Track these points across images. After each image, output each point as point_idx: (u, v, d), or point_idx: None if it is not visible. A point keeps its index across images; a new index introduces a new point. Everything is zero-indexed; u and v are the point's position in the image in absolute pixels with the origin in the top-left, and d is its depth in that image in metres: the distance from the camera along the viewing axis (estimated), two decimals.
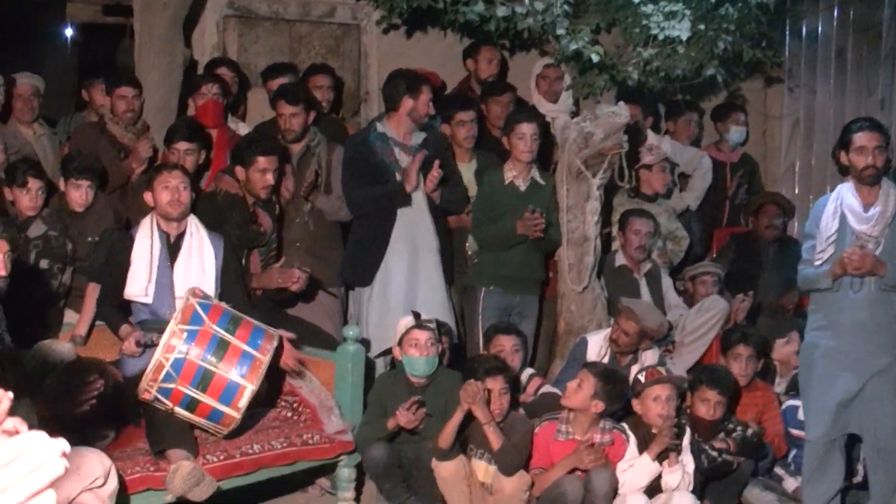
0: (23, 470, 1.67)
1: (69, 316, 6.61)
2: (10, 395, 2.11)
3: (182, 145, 7.13)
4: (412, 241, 7.32)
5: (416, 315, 6.55)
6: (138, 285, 6.17)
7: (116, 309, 6.26)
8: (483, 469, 6.23)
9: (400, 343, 6.51)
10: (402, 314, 6.84)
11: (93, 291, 6.43)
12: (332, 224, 7.58)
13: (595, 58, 8.12)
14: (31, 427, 3.95)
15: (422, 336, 6.43)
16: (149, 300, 6.18)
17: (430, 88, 7.47)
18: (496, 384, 6.22)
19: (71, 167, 6.76)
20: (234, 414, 5.65)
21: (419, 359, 6.42)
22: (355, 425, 6.44)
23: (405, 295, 7.26)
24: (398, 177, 7.29)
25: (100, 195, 6.90)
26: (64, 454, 1.71)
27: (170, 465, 5.47)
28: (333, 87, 8.43)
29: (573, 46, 8.13)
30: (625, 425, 6.31)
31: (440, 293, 7.34)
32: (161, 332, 5.75)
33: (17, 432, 2.23)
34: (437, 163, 7.25)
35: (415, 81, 7.45)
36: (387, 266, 7.32)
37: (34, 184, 6.49)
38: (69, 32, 13.07)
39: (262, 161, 6.78)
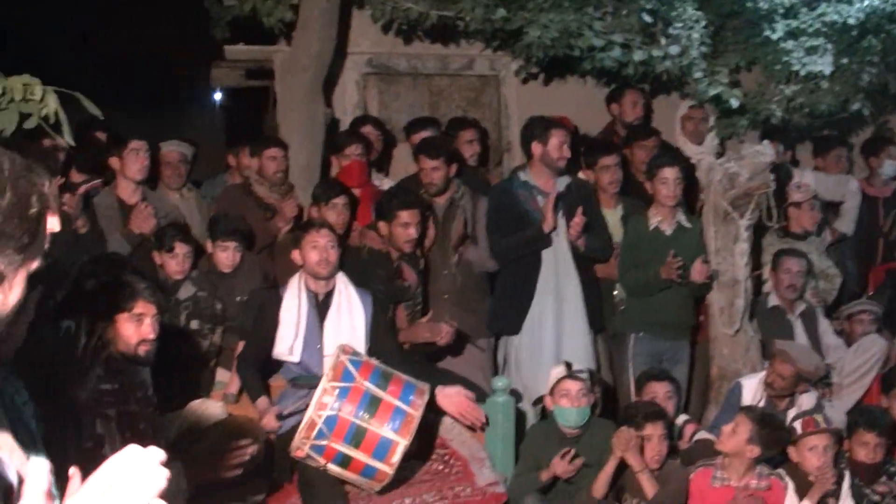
0: (131, 483, 1.67)
1: (221, 375, 6.72)
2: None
3: (341, 199, 7.21)
4: (557, 290, 7.26)
5: (568, 365, 6.46)
6: (285, 344, 6.22)
7: (255, 373, 6.31)
8: None
9: (551, 393, 6.43)
10: (550, 362, 6.77)
11: None
12: (479, 275, 7.56)
13: (735, 102, 7.98)
14: (183, 491, 4.00)
15: (573, 387, 6.34)
16: (295, 359, 6.22)
17: (563, 132, 7.39)
18: (656, 430, 6.11)
19: (217, 230, 6.89)
20: (388, 469, 5.63)
21: (571, 410, 6.33)
22: (507, 477, 6.37)
23: (552, 343, 7.19)
24: (541, 218, 7.23)
25: (247, 255, 7.01)
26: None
27: None
28: (480, 140, 8.45)
29: (712, 91, 8.01)
30: (782, 471, 6.12)
31: (585, 341, 7.25)
32: (313, 387, 5.79)
33: None
34: (579, 209, 7.18)
35: (543, 126, 7.42)
36: (533, 314, 7.27)
37: (181, 248, 6.63)
38: (217, 97, 13.42)
39: (403, 215, 6.81)
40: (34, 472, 1.71)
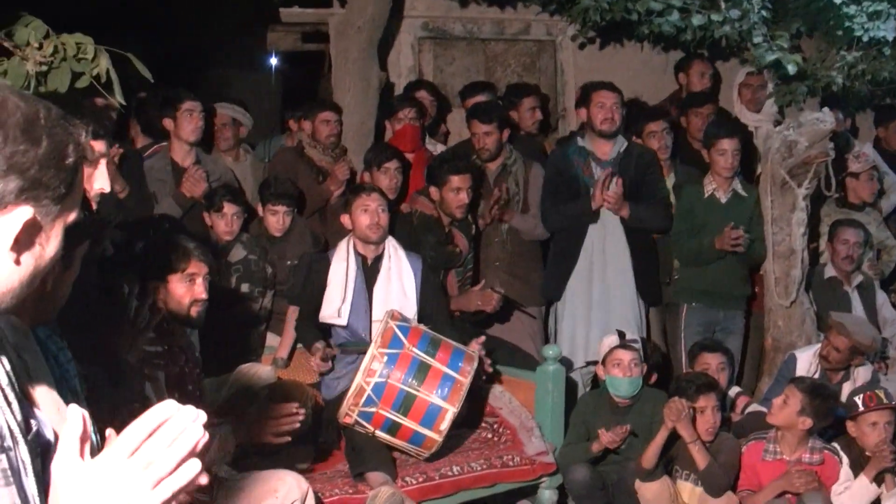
0: (165, 440, 1.66)
1: (271, 339, 6.72)
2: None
3: (393, 164, 7.18)
4: (604, 257, 7.20)
5: (621, 334, 6.42)
6: (332, 307, 6.22)
7: (313, 328, 6.32)
8: (689, 490, 6.07)
9: (603, 362, 6.40)
10: (594, 330, 6.75)
11: (293, 314, 6.51)
12: (530, 243, 7.51)
13: (792, 69, 7.84)
14: (230, 453, 4.00)
15: (625, 356, 6.31)
16: (342, 322, 6.22)
17: (606, 95, 7.26)
18: (709, 402, 6.05)
19: (268, 193, 6.88)
20: (436, 437, 5.63)
21: (622, 379, 6.30)
22: (556, 446, 6.34)
23: (593, 311, 7.17)
24: (592, 191, 7.17)
25: (298, 219, 7.00)
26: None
27: (369, 488, 5.48)
28: (541, 107, 8.38)
29: (770, 56, 7.87)
30: (836, 445, 6.04)
31: (633, 310, 7.19)
32: (361, 352, 5.78)
33: None
34: (617, 180, 7.10)
35: (587, 90, 7.36)
36: (576, 280, 7.24)
37: (230, 208, 6.62)
38: (273, 61, 13.41)
39: (455, 180, 6.78)
40: (70, 415, 1.70)
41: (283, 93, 12.41)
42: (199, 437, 1.70)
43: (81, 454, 1.70)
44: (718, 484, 5.93)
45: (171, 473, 1.66)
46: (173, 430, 1.66)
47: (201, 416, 1.73)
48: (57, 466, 1.71)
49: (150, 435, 1.67)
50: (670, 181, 7.65)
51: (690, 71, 8.70)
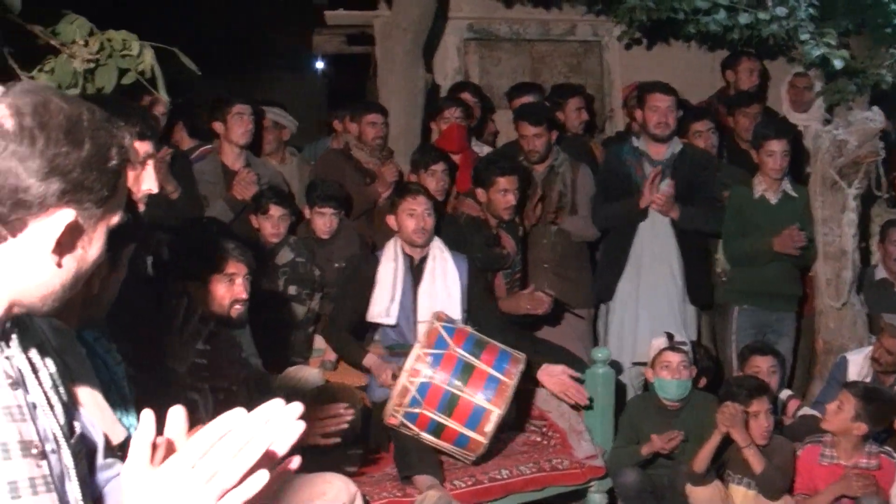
0: (230, 451, 1.63)
1: (319, 342, 6.70)
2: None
3: (440, 166, 7.17)
4: (652, 259, 7.15)
5: (670, 336, 6.37)
6: (381, 306, 6.20)
7: (348, 335, 6.30)
8: (742, 494, 6.01)
9: (652, 365, 6.35)
10: (642, 332, 6.71)
11: None
12: (579, 244, 7.48)
13: (839, 63, 7.74)
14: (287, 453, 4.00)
15: (674, 358, 6.26)
16: (391, 321, 6.20)
17: (661, 97, 7.19)
18: (762, 406, 5.98)
19: (314, 195, 6.87)
20: (481, 439, 5.59)
21: (671, 382, 6.25)
22: (606, 450, 6.30)
23: (641, 312, 7.13)
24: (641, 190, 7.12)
25: (345, 221, 6.99)
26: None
27: (417, 491, 5.46)
28: (587, 107, 8.34)
29: (817, 52, 7.78)
30: (889, 448, 5.96)
31: (681, 313, 7.14)
32: (408, 356, 5.77)
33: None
34: (669, 181, 7.04)
35: (641, 91, 7.33)
36: (625, 281, 7.21)
37: (276, 210, 6.61)
38: (319, 64, 13.46)
39: (501, 182, 6.74)
40: (142, 421, 1.68)
41: (328, 95, 12.45)
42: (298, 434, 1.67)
43: (152, 460, 1.68)
44: (775, 487, 5.87)
45: (236, 485, 1.63)
46: (239, 441, 1.63)
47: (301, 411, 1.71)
48: (126, 471, 1.69)
49: (214, 444, 1.64)
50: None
51: (739, 68, 8.60)
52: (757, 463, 5.84)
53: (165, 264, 4.56)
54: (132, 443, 1.69)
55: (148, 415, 1.69)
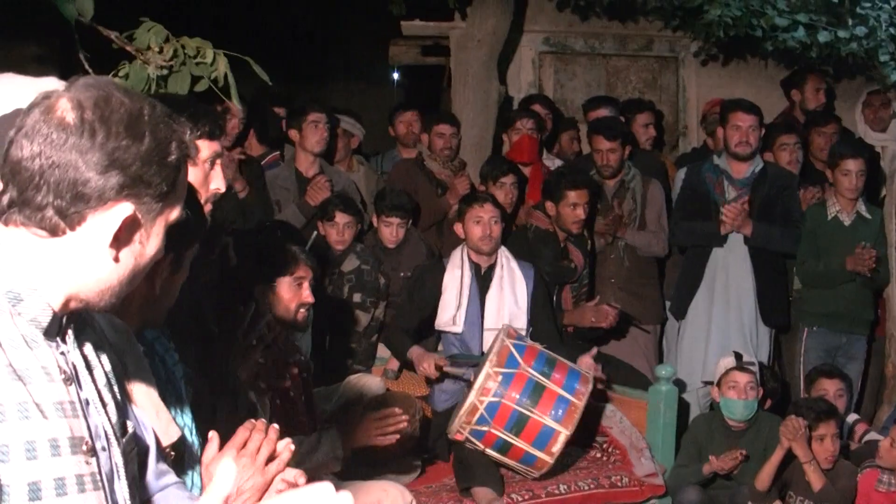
0: None
1: (382, 351, 6.71)
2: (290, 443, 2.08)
3: (509, 178, 7.15)
4: (725, 279, 7.08)
5: (738, 356, 6.32)
6: (448, 314, 6.20)
7: (405, 336, 6.31)
8: None
9: (719, 384, 6.29)
10: (711, 352, 6.65)
11: None
12: (647, 260, 7.43)
13: None
14: (339, 458, 4.01)
15: (742, 378, 6.21)
16: (458, 329, 6.20)
17: (745, 116, 7.07)
18: (829, 429, 5.93)
19: (382, 204, 6.90)
20: (548, 459, 5.57)
21: (737, 402, 6.19)
22: (667, 468, 6.24)
23: (712, 331, 7.06)
24: (721, 211, 7.03)
25: (412, 231, 7.00)
26: None
27: (474, 503, 5.44)
28: (655, 123, 8.29)
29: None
30: None
31: (753, 334, 7.05)
32: (472, 365, 5.76)
33: (296, 484, 2.22)
34: (746, 198, 6.96)
35: (725, 109, 7.23)
36: (697, 301, 7.14)
37: (342, 218, 6.63)
38: (395, 76, 13.52)
39: (572, 195, 6.71)
40: (221, 471, 1.69)
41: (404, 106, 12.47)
42: None
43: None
44: None
45: None
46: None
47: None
48: None
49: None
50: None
51: (805, 87, 8.47)
52: (817, 480, 5.79)
53: (233, 268, 4.58)
54: (207, 488, 1.70)
55: (228, 466, 1.72)
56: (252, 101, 7.33)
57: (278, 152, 7.43)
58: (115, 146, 1.73)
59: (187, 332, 3.31)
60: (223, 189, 3.53)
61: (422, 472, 5.74)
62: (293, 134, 7.23)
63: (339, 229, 6.62)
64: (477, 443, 5.59)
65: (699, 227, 7.14)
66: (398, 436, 4.69)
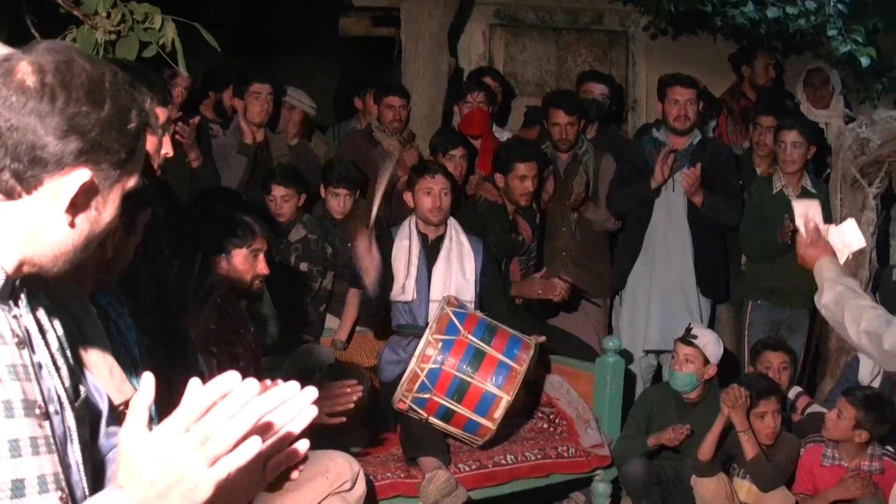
0: (224, 415, 1.62)
1: (330, 321, 6.72)
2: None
3: (458, 151, 7.16)
4: (665, 249, 7.15)
5: (688, 329, 6.35)
6: (397, 284, 6.21)
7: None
8: (746, 489, 6.03)
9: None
10: (647, 320, 6.79)
11: (353, 297, 6.51)
12: (598, 234, 7.47)
13: (866, 61, 7.67)
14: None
15: (682, 350, 6.27)
16: (408, 298, 6.20)
17: (682, 91, 7.15)
18: (769, 406, 6.00)
19: (330, 175, 6.89)
20: (490, 425, 5.61)
21: (676, 373, 6.26)
22: (613, 439, 6.30)
23: (652, 301, 7.14)
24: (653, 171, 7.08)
25: (361, 202, 6.99)
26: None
27: (422, 473, 5.47)
28: (609, 95, 8.28)
29: (844, 49, 7.71)
30: (894, 450, 5.94)
31: (693, 304, 7.13)
32: (417, 336, 5.77)
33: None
34: (698, 165, 7.00)
35: (664, 84, 7.28)
36: (636, 271, 7.21)
37: (278, 191, 6.62)
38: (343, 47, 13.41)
39: (521, 168, 6.72)
40: (143, 384, 1.67)
41: (352, 78, 12.41)
42: (261, 411, 1.66)
43: (149, 424, 1.67)
44: (766, 476, 5.90)
45: (229, 451, 1.62)
46: (233, 405, 1.62)
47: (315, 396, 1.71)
48: (122, 433, 1.67)
49: (208, 409, 1.63)
50: None
51: (755, 63, 8.55)
52: (750, 449, 5.87)
53: (186, 234, 4.57)
54: (130, 405, 1.68)
55: (148, 378, 1.69)
56: (210, 71, 7.31)
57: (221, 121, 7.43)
58: (75, 111, 1.71)
59: (148, 303, 3.31)
60: (171, 154, 3.55)
61: (369, 443, 5.74)
62: (238, 103, 7.22)
63: (276, 203, 6.61)
64: (420, 411, 5.63)
65: (634, 190, 7.17)
66: (345, 418, 4.70)
